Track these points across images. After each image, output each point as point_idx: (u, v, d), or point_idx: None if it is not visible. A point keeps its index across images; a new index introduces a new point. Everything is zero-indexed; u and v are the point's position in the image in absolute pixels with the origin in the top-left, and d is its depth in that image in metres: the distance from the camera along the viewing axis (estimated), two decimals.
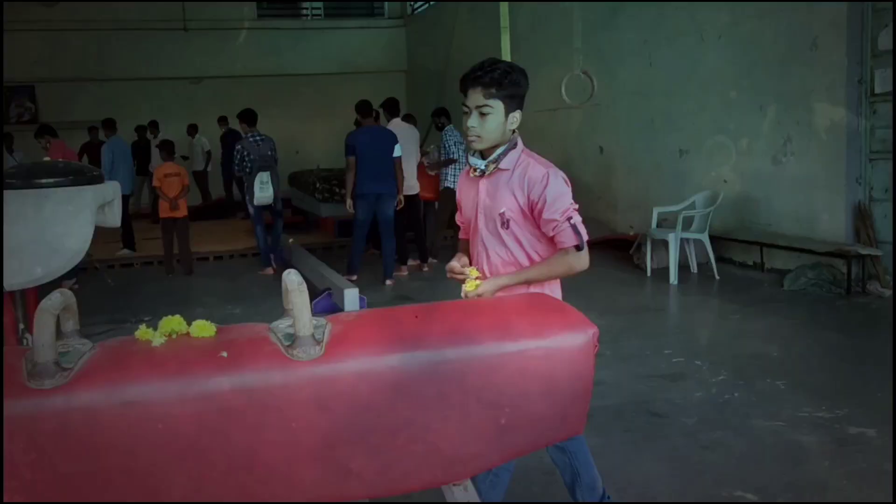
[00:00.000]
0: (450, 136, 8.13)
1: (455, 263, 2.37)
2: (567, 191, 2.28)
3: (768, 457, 3.26)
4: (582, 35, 6.97)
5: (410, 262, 8.04)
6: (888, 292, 5.80)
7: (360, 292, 6.00)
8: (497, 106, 2.23)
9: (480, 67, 2.22)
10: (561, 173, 2.31)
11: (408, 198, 7.85)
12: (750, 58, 7.06)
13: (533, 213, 2.27)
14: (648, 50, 8.48)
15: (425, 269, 8.02)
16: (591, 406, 1.82)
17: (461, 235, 2.59)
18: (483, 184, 2.35)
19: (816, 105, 6.39)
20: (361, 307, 5.83)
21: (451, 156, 8.05)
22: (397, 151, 7.32)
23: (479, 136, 2.25)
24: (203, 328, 1.58)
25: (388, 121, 7.84)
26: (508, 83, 2.22)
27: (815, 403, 3.79)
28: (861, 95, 6.05)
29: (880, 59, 5.90)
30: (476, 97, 2.22)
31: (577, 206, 2.29)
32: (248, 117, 8.25)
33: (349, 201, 7.25)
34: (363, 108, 7.48)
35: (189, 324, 1.62)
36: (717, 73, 7.48)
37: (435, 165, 8.17)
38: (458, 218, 2.60)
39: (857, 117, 6.08)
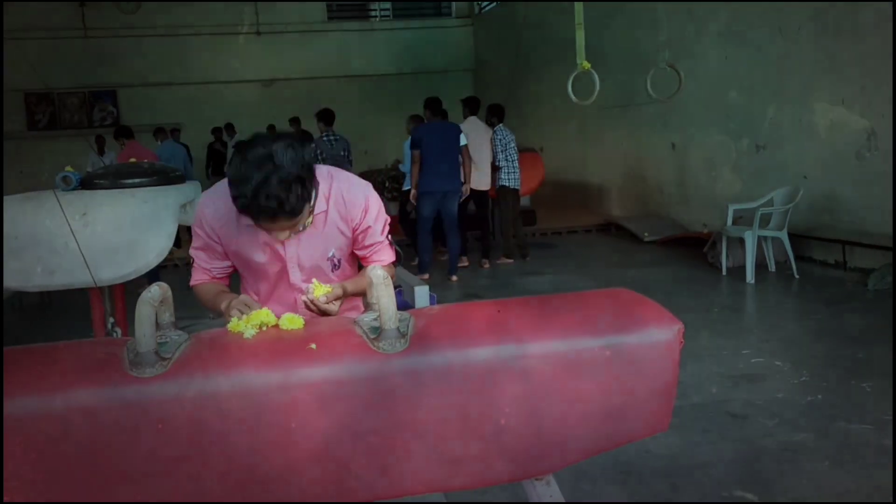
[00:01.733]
0: (499, 136, 8.09)
1: (238, 309, 1.81)
2: (382, 205, 2.10)
3: (855, 460, 3.15)
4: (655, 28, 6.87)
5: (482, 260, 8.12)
6: None
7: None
8: (305, 212, 1.86)
9: (277, 202, 1.73)
10: (368, 184, 2.10)
11: (479, 193, 7.92)
12: (831, 50, 6.82)
13: (352, 233, 2.07)
14: (723, 43, 8.28)
15: (486, 265, 8.08)
16: None
17: (210, 277, 2.13)
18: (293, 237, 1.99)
19: None
20: (431, 304, 5.87)
21: (498, 162, 8.05)
22: (462, 140, 7.37)
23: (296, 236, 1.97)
24: (292, 321, 1.63)
25: (466, 117, 7.91)
26: (306, 196, 1.81)
27: None
28: None
29: None
30: (281, 226, 1.84)
31: (388, 219, 2.14)
32: (326, 117, 8.42)
33: (413, 192, 7.31)
34: (434, 104, 7.51)
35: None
36: (795, 67, 7.25)
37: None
38: (204, 261, 2.11)
39: None
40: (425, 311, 1.77)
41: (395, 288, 6.51)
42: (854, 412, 3.64)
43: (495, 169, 8.11)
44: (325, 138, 8.33)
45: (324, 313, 1.93)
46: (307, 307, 1.92)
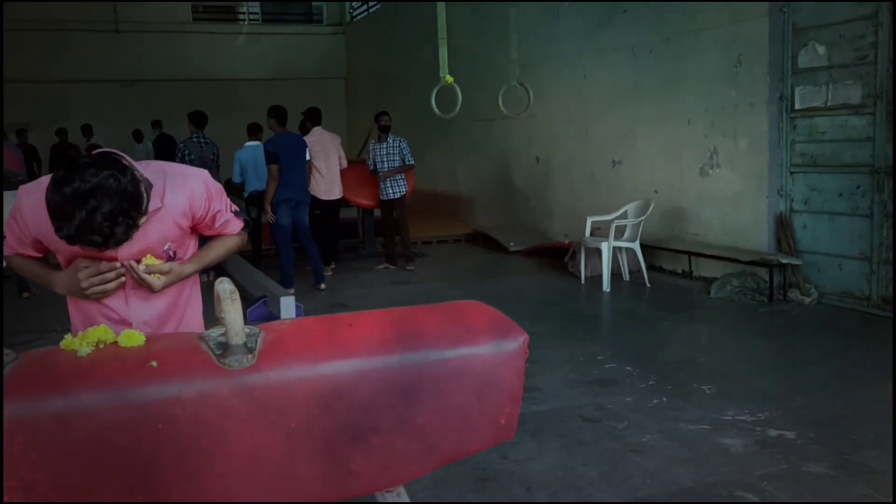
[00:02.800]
0: (406, 143, 8.18)
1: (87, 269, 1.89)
2: (218, 184, 2.11)
3: (694, 458, 3.38)
4: (519, 47, 7.13)
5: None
6: (807, 300, 6.05)
7: (295, 300, 5.95)
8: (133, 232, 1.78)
9: (103, 237, 1.68)
10: (203, 171, 2.11)
11: (331, 203, 8.03)
12: (679, 73, 7.29)
13: (194, 223, 2.06)
14: (583, 63, 8.67)
15: (329, 272, 8.14)
16: (525, 412, 1.87)
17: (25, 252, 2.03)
18: None
19: (741, 119, 6.64)
20: (298, 315, 5.78)
21: (409, 162, 8.20)
22: (307, 156, 7.50)
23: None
24: (132, 337, 1.57)
25: (309, 129, 7.90)
26: (133, 223, 1.74)
27: (738, 407, 3.93)
28: (782, 111, 6.31)
29: (800, 76, 6.16)
30: (110, 251, 1.81)
31: (223, 190, 2.15)
32: (197, 119, 8.20)
33: (268, 208, 7.23)
34: (280, 113, 7.43)
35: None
36: (649, 87, 7.70)
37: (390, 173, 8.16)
38: (18, 244, 2.01)
39: (779, 132, 6.34)
40: (276, 326, 1.75)
41: (260, 298, 6.32)
42: (695, 413, 3.90)
43: (402, 172, 8.12)
44: (194, 139, 8.08)
45: (145, 283, 1.94)
46: (128, 273, 1.92)
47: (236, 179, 8.21)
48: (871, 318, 5.61)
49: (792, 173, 6.33)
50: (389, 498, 1.71)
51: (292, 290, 7.08)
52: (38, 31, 14.38)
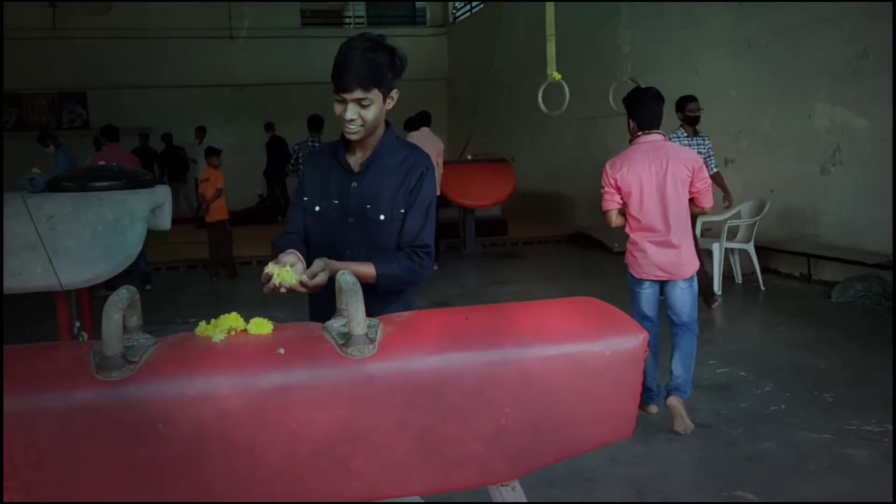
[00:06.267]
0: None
1: None
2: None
3: (816, 468, 3.22)
4: (631, 41, 7.01)
5: None
6: None
7: None
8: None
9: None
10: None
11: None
12: (798, 66, 6.96)
13: None
14: (691, 57, 8.41)
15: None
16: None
17: None
18: None
19: (865, 114, 6.27)
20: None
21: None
22: None
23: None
24: (261, 325, 1.62)
25: (417, 129, 8.14)
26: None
27: (864, 417, 3.72)
28: None
29: None
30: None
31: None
32: (312, 122, 8.55)
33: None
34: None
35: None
36: (765, 81, 7.38)
37: None
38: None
39: None
40: (394, 318, 1.77)
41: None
42: (815, 422, 3.71)
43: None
44: (309, 142, 8.40)
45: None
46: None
47: None
48: None
49: None
50: (505, 493, 1.70)
51: None
52: (164, 39, 15.16)
